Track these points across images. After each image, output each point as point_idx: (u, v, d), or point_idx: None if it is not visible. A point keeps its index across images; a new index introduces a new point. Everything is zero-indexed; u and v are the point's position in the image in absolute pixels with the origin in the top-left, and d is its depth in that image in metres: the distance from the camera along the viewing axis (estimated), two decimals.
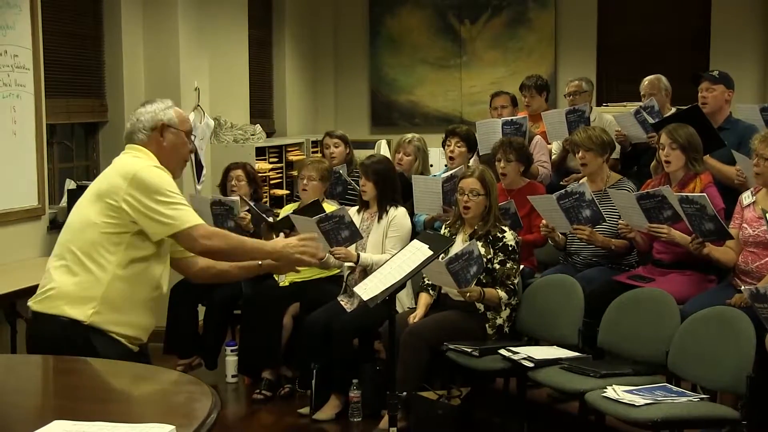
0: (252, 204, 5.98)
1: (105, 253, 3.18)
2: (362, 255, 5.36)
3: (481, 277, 4.94)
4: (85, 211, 3.26)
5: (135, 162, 3.29)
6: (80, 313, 3.14)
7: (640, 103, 6.12)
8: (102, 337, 3.16)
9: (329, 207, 5.59)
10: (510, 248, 5.03)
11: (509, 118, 6.37)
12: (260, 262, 3.48)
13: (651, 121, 5.79)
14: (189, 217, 3.23)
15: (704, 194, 4.57)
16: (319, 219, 5.23)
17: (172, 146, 3.40)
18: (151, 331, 3.39)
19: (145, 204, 3.18)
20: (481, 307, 5.00)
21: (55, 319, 3.15)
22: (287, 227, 5.56)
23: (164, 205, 3.19)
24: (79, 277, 3.17)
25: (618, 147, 5.96)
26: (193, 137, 3.65)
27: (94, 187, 3.30)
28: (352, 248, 5.39)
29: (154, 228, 3.20)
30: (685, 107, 5.69)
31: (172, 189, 3.24)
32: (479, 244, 4.95)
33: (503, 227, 5.09)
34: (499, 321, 5.03)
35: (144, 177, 3.20)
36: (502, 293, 4.98)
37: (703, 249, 4.64)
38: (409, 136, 6.51)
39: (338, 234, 5.26)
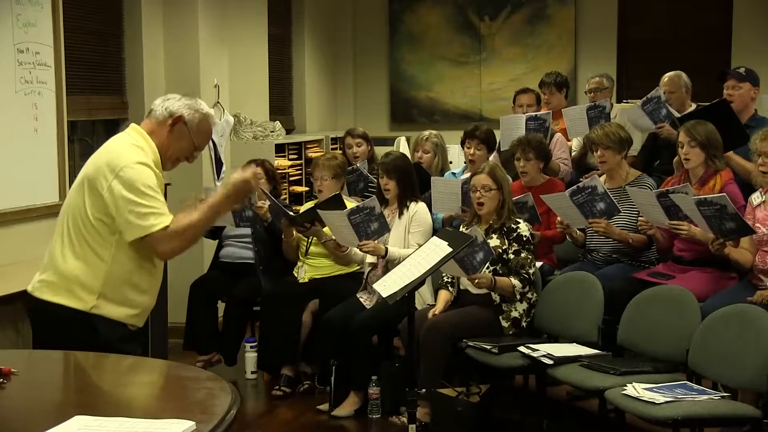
0: (274, 199, 5.94)
1: (101, 240, 3.19)
2: (390, 249, 5.36)
3: (498, 267, 4.96)
4: (77, 195, 3.27)
5: (126, 154, 3.26)
6: (81, 303, 3.18)
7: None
8: (103, 322, 3.19)
9: (348, 203, 5.57)
10: (524, 238, 5.04)
11: (533, 114, 6.35)
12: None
13: (662, 110, 5.74)
14: (158, 220, 3.16)
15: (724, 194, 4.50)
16: (350, 212, 5.21)
17: (176, 140, 3.38)
18: (150, 312, 3.41)
19: (125, 199, 3.15)
20: (496, 297, 5.01)
21: (57, 307, 3.19)
22: (308, 221, 5.56)
23: (138, 206, 3.15)
24: (79, 265, 3.19)
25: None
26: (215, 143, 3.60)
27: (86, 169, 3.31)
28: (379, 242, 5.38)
29: (124, 227, 3.17)
30: (711, 102, 5.62)
31: (150, 190, 3.18)
32: (494, 236, 4.99)
33: (518, 219, 5.12)
34: (514, 314, 5.02)
35: (129, 173, 3.18)
36: (515, 281, 4.98)
37: (724, 250, 4.59)
38: (426, 133, 6.51)
39: (368, 226, 5.23)
